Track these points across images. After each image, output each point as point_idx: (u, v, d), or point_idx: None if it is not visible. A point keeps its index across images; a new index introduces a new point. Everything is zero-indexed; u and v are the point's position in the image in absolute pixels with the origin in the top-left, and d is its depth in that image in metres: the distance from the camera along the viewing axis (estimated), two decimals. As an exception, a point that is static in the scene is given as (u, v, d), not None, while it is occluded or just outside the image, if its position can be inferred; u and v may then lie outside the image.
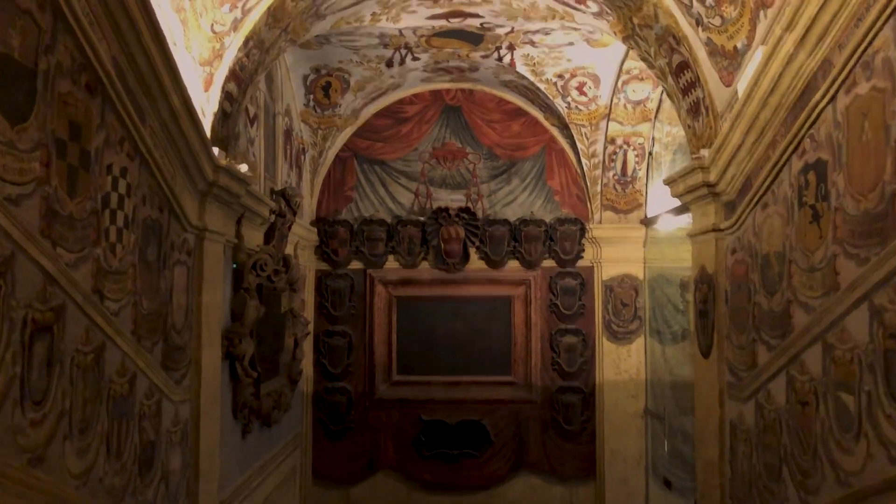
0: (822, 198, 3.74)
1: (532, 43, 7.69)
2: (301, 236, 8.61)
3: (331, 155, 9.24)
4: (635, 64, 8.05)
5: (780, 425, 4.25)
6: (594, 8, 6.05)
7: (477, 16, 6.94)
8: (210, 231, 5.20)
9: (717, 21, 4.85)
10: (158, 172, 4.33)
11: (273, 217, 6.99)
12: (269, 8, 5.16)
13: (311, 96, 8.56)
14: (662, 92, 8.51)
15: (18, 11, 2.85)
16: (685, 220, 8.94)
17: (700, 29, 5.04)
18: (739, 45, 4.73)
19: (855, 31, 3.39)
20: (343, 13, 6.31)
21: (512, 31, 7.33)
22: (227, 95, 5.30)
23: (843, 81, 3.54)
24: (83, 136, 3.43)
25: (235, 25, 5.06)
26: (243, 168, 5.53)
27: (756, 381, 4.58)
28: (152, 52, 3.92)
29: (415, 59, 8.11)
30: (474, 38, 7.61)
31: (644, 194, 9.18)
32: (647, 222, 9.11)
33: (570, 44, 7.72)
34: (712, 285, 5.22)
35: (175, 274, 4.73)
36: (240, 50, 5.19)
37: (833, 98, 3.64)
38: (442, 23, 7.11)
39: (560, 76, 8.39)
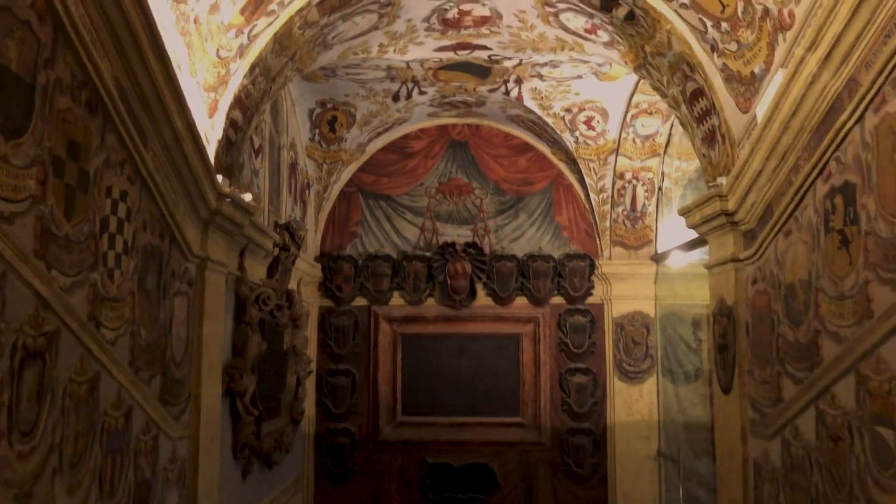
0: (851, 222, 3.58)
1: (540, 76, 7.62)
2: (305, 272, 8.45)
3: (336, 190, 9.13)
4: (644, 98, 7.97)
5: (809, 463, 4.03)
6: (605, 38, 5.98)
7: (485, 48, 6.88)
8: (212, 261, 5.04)
9: (732, 46, 4.76)
10: (160, 198, 4.19)
11: (276, 250, 6.84)
12: (275, 35, 5.08)
13: (317, 130, 8.48)
14: (672, 126, 8.43)
15: (17, 22, 2.73)
16: (696, 255, 8.80)
17: (715, 55, 4.95)
18: (757, 70, 4.62)
19: (883, 47, 3.28)
20: (350, 43, 6.25)
21: (520, 63, 7.27)
22: (231, 123, 5.19)
23: (871, 100, 3.41)
24: (82, 155, 3.29)
25: (241, 52, 4.97)
26: (247, 197, 5.40)
27: (782, 417, 4.37)
28: (156, 73, 3.81)
29: (421, 92, 8.04)
30: (482, 72, 7.54)
31: (654, 230, 9.04)
32: (658, 258, 8.95)
33: (579, 77, 7.65)
34: (732, 318, 5.04)
35: (175, 304, 4.56)
36: (245, 77, 5.09)
37: (860, 118, 3.51)
38: (449, 55, 7.05)
39: (568, 110, 8.31)
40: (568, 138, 8.61)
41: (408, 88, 7.91)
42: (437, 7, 6.07)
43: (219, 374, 5.34)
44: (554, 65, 7.31)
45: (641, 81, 7.67)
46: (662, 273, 9.00)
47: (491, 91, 8.07)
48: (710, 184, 5.16)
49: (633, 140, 8.54)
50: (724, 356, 5.18)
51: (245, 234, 5.87)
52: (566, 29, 6.19)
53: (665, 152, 8.66)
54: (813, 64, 3.76)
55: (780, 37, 4.31)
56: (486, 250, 9.09)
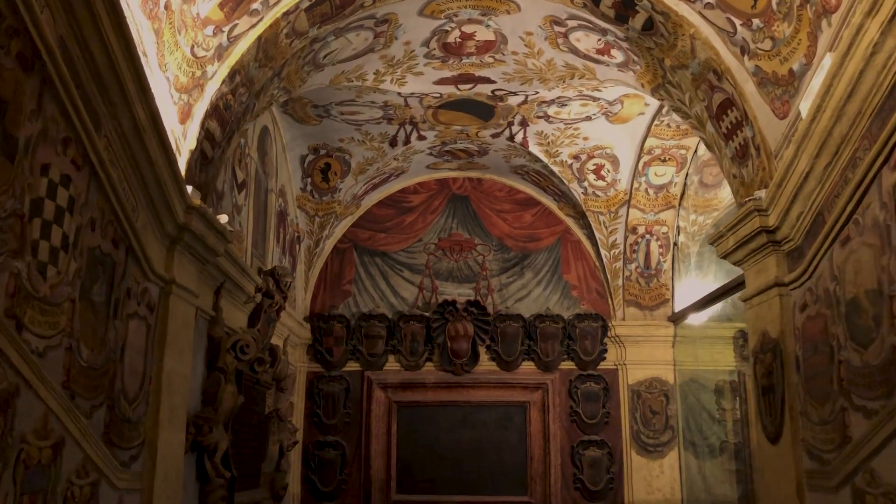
0: (933, 207, 2.97)
1: (546, 117, 7.17)
2: (292, 330, 7.76)
3: (328, 245, 8.54)
4: (657, 142, 7.50)
5: (894, 514, 3.26)
6: (619, 57, 5.53)
7: (488, 80, 6.44)
8: (178, 286, 4.39)
9: (766, 45, 4.27)
10: (115, 197, 3.58)
11: (259, 296, 6.20)
12: (259, 39, 4.60)
13: (309, 179, 7.96)
14: (687, 175, 7.93)
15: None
16: (717, 311, 8.15)
17: (746, 58, 4.46)
18: (796, 67, 4.12)
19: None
20: (344, 67, 5.80)
21: (525, 101, 6.82)
22: (207, 135, 4.65)
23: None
24: (8, 115, 2.72)
25: (220, 53, 4.48)
26: (223, 219, 4.80)
27: (850, 462, 3.62)
28: (111, 43, 3.28)
29: (420, 137, 7.57)
30: (484, 112, 7.09)
31: (670, 289, 8.41)
32: (676, 319, 8.27)
33: (588, 118, 7.20)
34: (778, 353, 4.35)
35: (130, 328, 3.89)
36: (225, 83, 4.59)
37: (938, 83, 2.95)
38: (450, 90, 6.60)
39: (576, 157, 7.82)
40: (576, 189, 8.09)
41: (406, 132, 7.44)
42: (437, 28, 5.66)
43: (182, 422, 4.60)
44: (562, 103, 6.86)
45: (655, 123, 7.22)
46: (681, 335, 8.31)
47: (494, 136, 7.60)
48: (747, 198, 4.56)
49: (646, 191, 8.02)
50: (769, 399, 4.46)
51: (221, 269, 5.25)
52: (576, 52, 5.75)
53: (680, 204, 8.12)
54: (874, 31, 3.23)
55: (823, 23, 3.82)
56: (490, 310, 8.42)
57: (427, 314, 8.37)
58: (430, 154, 8.10)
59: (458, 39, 5.83)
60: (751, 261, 4.69)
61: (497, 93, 6.66)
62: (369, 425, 8.26)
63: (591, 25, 5.33)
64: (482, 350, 8.36)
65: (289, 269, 7.16)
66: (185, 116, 4.40)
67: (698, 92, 4.96)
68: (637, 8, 4.80)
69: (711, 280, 7.81)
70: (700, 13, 4.54)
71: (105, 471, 3.59)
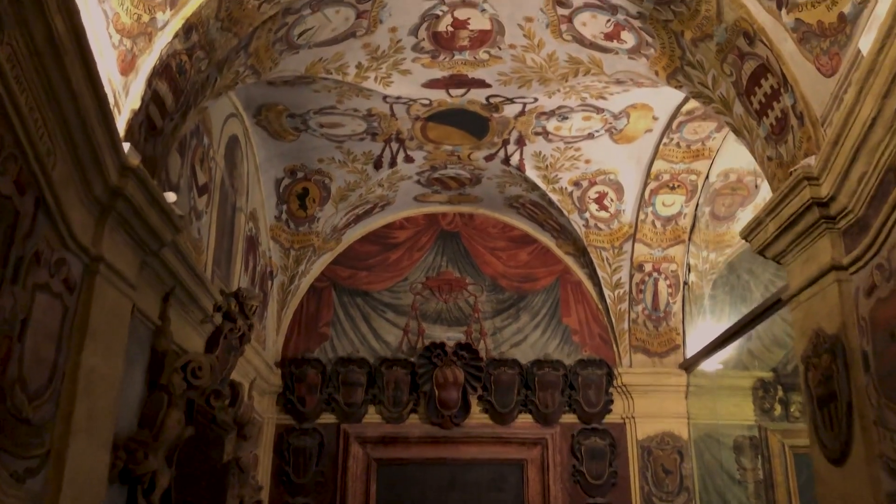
0: None
1: (545, 134, 6.56)
2: (260, 373, 6.87)
3: (304, 284, 7.75)
4: (666, 165, 6.87)
5: None
6: (630, 41, 4.94)
7: (482, 84, 5.85)
8: (109, 267, 3.60)
9: (809, -9, 3.67)
10: (21, 127, 2.84)
11: (219, 318, 5.38)
12: (221, -11, 3.97)
13: (285, 207, 7.25)
14: (697, 206, 7.28)
15: None
16: (733, 358, 7.35)
17: (784, 11, 3.85)
18: (848, 8, 3.51)
19: None
20: (322, 52, 5.18)
21: (523, 111, 6.21)
22: (156, 98, 3.95)
23: None
24: None
25: (173, 1, 3.84)
26: (170, 197, 4.05)
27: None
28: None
29: (408, 159, 6.92)
30: (477, 127, 6.48)
31: (681, 333, 7.62)
32: (688, 367, 7.45)
33: (590, 136, 6.60)
34: (839, 351, 3.56)
35: (37, 303, 3.07)
36: (178, 39, 3.93)
37: None
38: (441, 96, 6.00)
39: (576, 184, 7.18)
40: (576, 221, 7.41)
41: (392, 151, 6.79)
42: (426, 12, 5.08)
43: (106, 438, 3.70)
44: (562, 115, 6.26)
45: (664, 142, 6.62)
46: (694, 385, 7.47)
47: (488, 159, 6.96)
48: (794, 167, 3.84)
49: (653, 223, 7.34)
50: (829, 411, 3.63)
51: (170, 269, 4.45)
52: (581, 40, 5.18)
53: (690, 239, 7.44)
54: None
55: (882, -53, 3.23)
56: (483, 355, 7.57)
57: (412, 359, 7.51)
58: (419, 182, 7.44)
59: (450, 28, 5.26)
60: (796, 249, 3.95)
61: (492, 100, 6.06)
62: (345, 486, 7.25)
63: (599, 3, 4.77)
64: (474, 400, 7.46)
65: (256, 292, 6.34)
66: (127, 67, 3.71)
67: (724, 66, 4.35)
68: (653, -31, 4.24)
69: (727, 325, 7.05)
70: (728, -34, 3.98)
71: (-15, 479, 2.72)
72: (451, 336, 7.66)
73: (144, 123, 3.91)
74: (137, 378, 4.29)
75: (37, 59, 2.88)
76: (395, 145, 6.71)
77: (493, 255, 8.00)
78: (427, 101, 6.07)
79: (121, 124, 3.71)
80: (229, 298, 5.54)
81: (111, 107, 3.50)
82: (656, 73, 5.01)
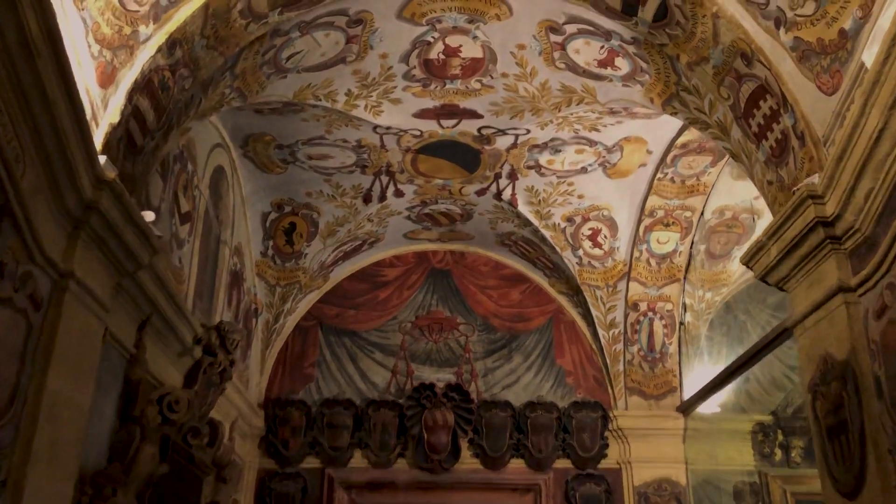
0: None
1: (538, 167, 6.45)
2: (242, 414, 6.61)
3: (290, 323, 7.53)
4: (660, 201, 6.76)
5: None
6: (624, 68, 4.87)
7: (474, 114, 5.76)
8: (80, 285, 3.40)
9: (808, 8, 3.61)
10: (-14, 127, 2.69)
11: (198, 351, 5.16)
12: (206, 6, 3.87)
13: (271, 242, 7.08)
14: (692, 244, 7.15)
15: None
16: (731, 401, 7.13)
17: (782, 30, 3.78)
18: (849, 24, 3.43)
19: None
20: (311, 77, 5.07)
21: (515, 144, 6.12)
22: (137, 114, 3.81)
23: None
24: None
25: (157, 14, 3.73)
26: (148, 216, 3.88)
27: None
28: None
29: (398, 193, 6.80)
30: (469, 160, 6.38)
31: (678, 375, 7.41)
32: (685, 409, 7.22)
33: (583, 170, 6.50)
34: (849, 376, 3.38)
35: (-2, 318, 2.88)
36: (162, 54, 3.81)
37: None
38: (432, 126, 5.90)
39: (569, 220, 7.04)
40: (569, 259, 7.26)
41: (381, 184, 6.66)
42: (417, 38, 5.00)
43: (71, 470, 3.46)
44: (555, 148, 6.17)
45: (658, 177, 6.52)
46: (692, 428, 7.23)
47: (480, 193, 6.84)
48: (797, 186, 3.71)
49: (648, 261, 7.19)
50: (839, 441, 3.43)
51: (147, 295, 4.26)
52: (574, 68, 5.10)
53: (685, 277, 7.29)
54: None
55: (883, -40, 3.16)
56: (474, 396, 7.32)
57: (400, 401, 7.25)
58: (409, 218, 7.30)
59: (442, 56, 5.17)
60: (801, 273, 3.79)
61: (484, 132, 5.96)
62: (329, 534, 6.93)
63: (592, 29, 4.70)
64: (464, 444, 7.19)
65: (238, 326, 6.13)
66: (106, 79, 3.58)
67: (721, 89, 4.26)
68: (648, -8, 4.17)
69: (724, 367, 6.86)
70: (724, -14, 3.91)
71: (-75, 504, 2.48)
72: (440, 377, 7.42)
73: (124, 139, 3.76)
74: (109, 409, 4.05)
75: (6, 59, 2.73)
76: (384, 178, 6.59)
77: (484, 294, 7.82)
78: (418, 132, 5.97)
79: (98, 138, 3.56)
80: (210, 331, 5.33)
81: (89, 119, 3.37)
82: (651, 101, 4.93)
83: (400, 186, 6.71)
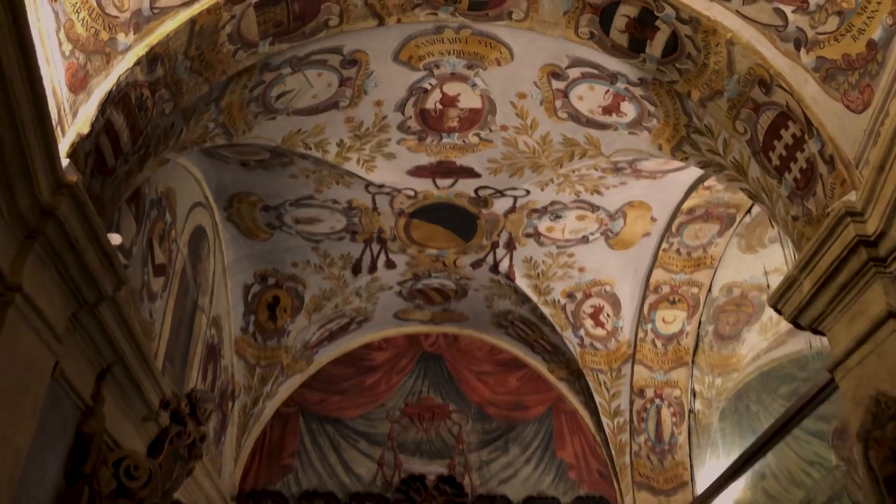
0: None
1: (537, 235, 6.16)
2: (210, 501, 5.94)
3: (269, 408, 6.98)
4: (665, 276, 6.44)
5: None
6: (631, 112, 4.65)
7: (471, 173, 5.52)
8: (27, 300, 2.96)
9: (831, 25, 3.42)
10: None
11: (165, 416, 4.63)
12: (192, 22, 3.64)
13: (253, 317, 6.64)
14: (700, 324, 6.76)
15: None
16: (745, 494, 6.51)
17: (803, 51, 3.58)
18: (878, 34, 3.24)
19: None
20: (301, 122, 4.83)
21: (513, 207, 5.85)
22: (109, 129, 3.50)
23: None
24: None
25: (139, 24, 3.50)
26: (115, 239, 3.48)
27: None
28: None
29: (390, 264, 6.44)
30: (465, 226, 6.09)
31: (689, 468, 6.82)
32: (699, 506, 6.60)
33: (584, 239, 6.21)
34: (909, 415, 2.93)
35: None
36: (141, 68, 3.54)
37: None
38: (427, 186, 5.65)
39: (570, 296, 6.68)
40: (570, 340, 6.83)
41: (372, 253, 6.32)
42: (414, 84, 4.81)
43: (-4, 523, 2.90)
44: (555, 213, 5.90)
45: (663, 247, 6.22)
46: (708, 528, 6.57)
47: (475, 265, 6.50)
48: (832, 205, 3.36)
49: (654, 342, 6.78)
50: (903, 494, 2.93)
51: (110, 340, 3.79)
52: (577, 118, 4.89)
53: (693, 361, 6.85)
54: None
55: (911, -40, 2.99)
56: (468, 490, 6.68)
57: (387, 495, 6.61)
58: (400, 294, 6.91)
59: (439, 105, 4.97)
60: (839, 307, 3.40)
61: (481, 193, 5.70)
62: None
63: (597, 72, 4.51)
64: (458, 543, 6.52)
65: (212, 395, 5.58)
66: (77, 84, 3.28)
67: (737, 124, 4.01)
68: (656, 24, 3.99)
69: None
70: (738, 12, 3.74)
71: None
72: (432, 470, 6.82)
73: (93, 155, 3.43)
74: (54, 463, 3.51)
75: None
76: (376, 246, 6.25)
77: (479, 381, 7.33)
78: (412, 193, 5.70)
79: (63, 146, 3.23)
80: (181, 397, 4.82)
81: (54, 123, 3.05)
82: (660, 147, 4.68)
83: (392, 256, 6.37)
